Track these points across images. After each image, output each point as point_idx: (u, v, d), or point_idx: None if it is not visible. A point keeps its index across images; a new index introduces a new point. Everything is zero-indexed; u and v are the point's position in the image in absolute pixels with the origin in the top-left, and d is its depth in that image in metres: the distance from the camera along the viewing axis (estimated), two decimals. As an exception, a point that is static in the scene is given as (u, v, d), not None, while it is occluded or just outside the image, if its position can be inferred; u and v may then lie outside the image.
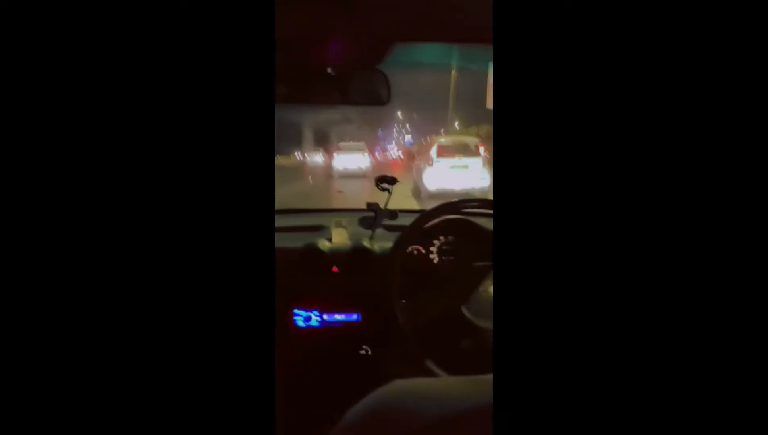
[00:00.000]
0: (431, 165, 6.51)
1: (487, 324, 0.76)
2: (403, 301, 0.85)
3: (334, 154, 12.07)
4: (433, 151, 6.59)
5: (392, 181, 1.06)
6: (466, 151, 6.74)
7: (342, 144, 12.97)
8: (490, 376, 0.27)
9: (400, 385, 0.29)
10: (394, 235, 0.92)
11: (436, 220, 0.93)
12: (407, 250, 0.98)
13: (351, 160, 11.42)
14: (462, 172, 6.45)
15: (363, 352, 0.99)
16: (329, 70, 0.90)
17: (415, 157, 8.69)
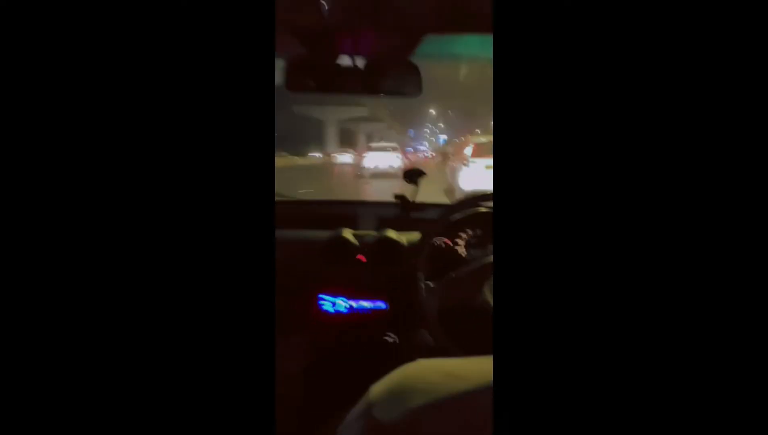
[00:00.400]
0: (467, 165, 6.41)
1: None
2: (429, 283, 0.87)
3: (365, 154, 12.15)
4: (469, 151, 6.49)
5: (420, 174, 1.09)
6: (502, 150, 6.57)
7: (374, 144, 13.15)
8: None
9: (423, 364, 0.29)
10: (422, 227, 0.94)
11: (463, 214, 0.95)
12: (434, 242, 1.00)
13: (382, 159, 11.39)
14: (498, 173, 6.30)
15: (389, 339, 1.02)
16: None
17: (449, 156, 8.63)
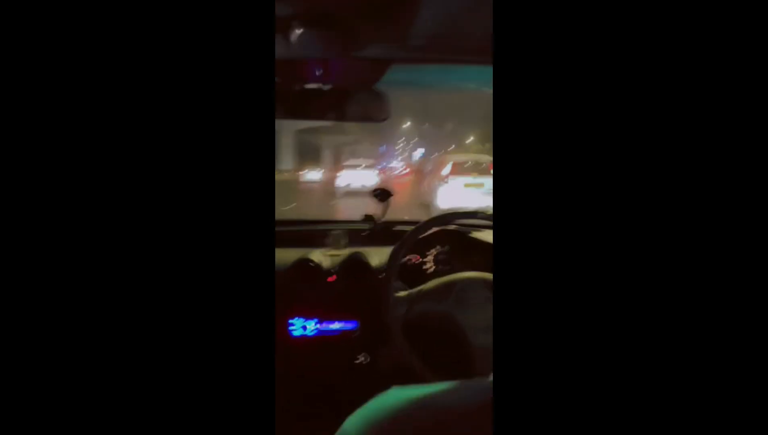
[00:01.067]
0: (445, 183, 6.54)
1: (474, 326, 0.83)
2: (397, 295, 0.88)
3: (338, 172, 11.76)
4: (447, 169, 6.63)
5: (388, 194, 1.14)
6: (479, 169, 6.69)
7: (347, 161, 13.02)
8: (485, 380, 0.29)
9: (397, 392, 0.29)
10: (391, 246, 0.96)
11: (431, 231, 0.99)
12: (403, 260, 1.02)
13: (356, 177, 11.06)
14: (476, 191, 6.43)
15: (359, 360, 1.02)
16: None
17: (425, 173, 8.76)
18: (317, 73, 0.89)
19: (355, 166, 11.93)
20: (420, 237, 0.94)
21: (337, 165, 12.77)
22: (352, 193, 10.28)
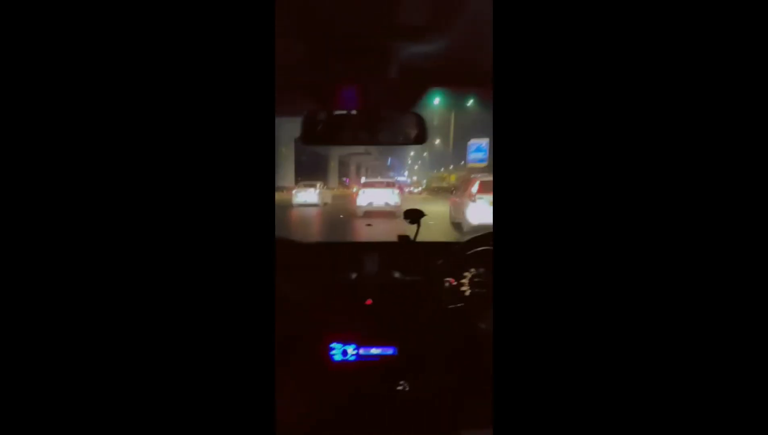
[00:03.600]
0: (474, 201, 7.16)
1: None
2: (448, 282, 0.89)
3: (360, 190, 11.55)
4: (475, 188, 7.32)
5: (420, 214, 1.17)
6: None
7: (367, 180, 12.43)
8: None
9: None
10: (426, 267, 0.98)
11: (467, 253, 1.05)
12: (440, 282, 1.05)
13: (377, 195, 10.80)
14: (501, 208, 6.94)
15: (400, 387, 1.03)
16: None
17: (453, 192, 9.36)
18: (354, 97, 0.95)
19: (377, 186, 11.55)
20: (457, 258, 0.97)
21: (362, 185, 12.09)
22: (375, 213, 10.16)
